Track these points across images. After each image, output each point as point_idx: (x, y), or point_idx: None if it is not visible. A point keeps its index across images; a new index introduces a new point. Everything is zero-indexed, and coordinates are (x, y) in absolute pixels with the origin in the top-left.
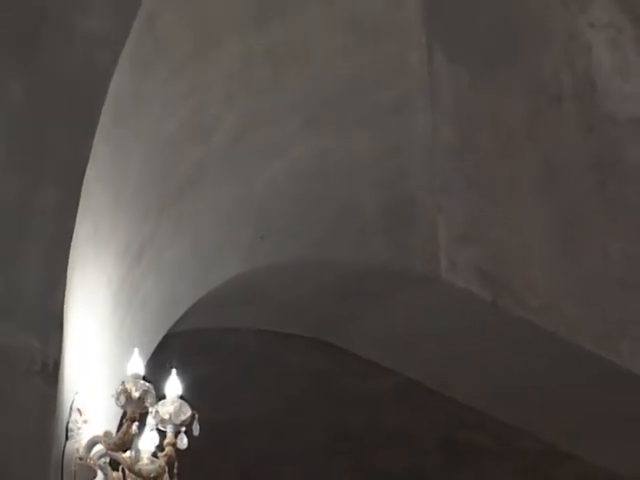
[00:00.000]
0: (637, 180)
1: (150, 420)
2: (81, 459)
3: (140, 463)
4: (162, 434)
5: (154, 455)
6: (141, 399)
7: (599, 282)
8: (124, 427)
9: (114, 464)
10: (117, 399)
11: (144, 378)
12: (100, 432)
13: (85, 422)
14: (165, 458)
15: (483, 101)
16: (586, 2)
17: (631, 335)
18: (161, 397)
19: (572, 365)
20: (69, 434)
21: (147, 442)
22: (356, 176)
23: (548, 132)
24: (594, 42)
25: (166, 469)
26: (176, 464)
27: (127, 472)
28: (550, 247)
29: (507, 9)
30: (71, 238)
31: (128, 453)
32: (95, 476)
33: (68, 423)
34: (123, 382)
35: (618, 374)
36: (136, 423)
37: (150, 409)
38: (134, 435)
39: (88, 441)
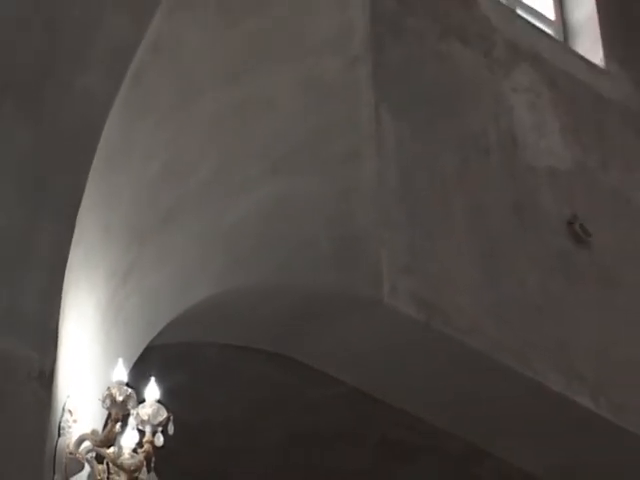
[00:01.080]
0: (551, 221)
1: (131, 421)
2: (71, 453)
3: (122, 457)
4: (141, 433)
5: (134, 451)
6: (124, 402)
7: (518, 308)
8: (109, 426)
9: (99, 458)
10: (103, 402)
11: (127, 384)
12: (88, 430)
13: (75, 421)
14: (144, 454)
15: (422, 151)
16: (509, 69)
17: (543, 354)
18: (141, 401)
19: (494, 378)
20: (61, 432)
21: (128, 440)
22: (312, 214)
23: (476, 178)
24: (516, 103)
25: (144, 463)
26: (153, 459)
27: (110, 465)
28: (476, 277)
29: (444, 75)
30: (66, 264)
31: (112, 449)
32: (83, 468)
33: (60, 422)
34: (108, 388)
35: (532, 387)
36: (119, 423)
37: (131, 411)
38: (117, 433)
39: (77, 438)
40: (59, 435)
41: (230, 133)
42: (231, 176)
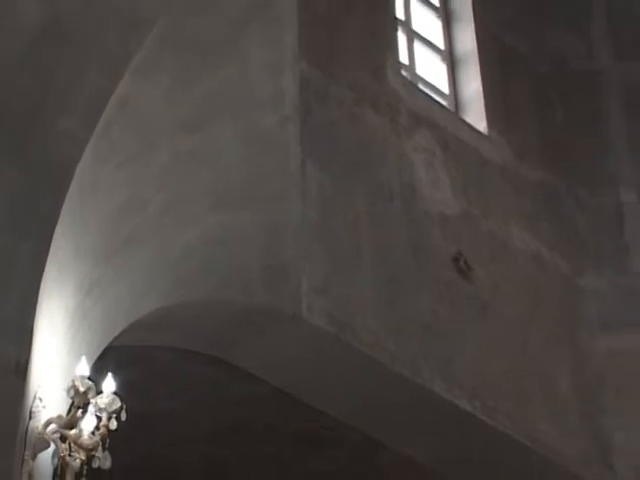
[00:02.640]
0: (440, 257)
1: (91, 408)
2: (39, 434)
3: (82, 438)
4: (99, 418)
5: (92, 433)
6: (85, 393)
7: (412, 327)
8: (72, 412)
9: (63, 438)
10: (68, 392)
11: (88, 378)
12: (54, 415)
13: (44, 407)
14: (100, 436)
15: (338, 197)
16: (411, 132)
17: (431, 365)
18: (99, 392)
19: (390, 384)
20: (32, 415)
21: (88, 424)
22: (246, 244)
23: (382, 221)
24: (415, 161)
25: (100, 443)
26: (107, 440)
27: (72, 444)
28: (379, 300)
29: (358, 135)
30: (42, 277)
31: (73, 431)
32: (49, 446)
33: (31, 408)
34: (73, 380)
35: (422, 392)
36: (80, 410)
37: (91, 400)
38: (78, 418)
39: (45, 421)
40: (30, 418)
41: (180, 175)
42: (180, 210)
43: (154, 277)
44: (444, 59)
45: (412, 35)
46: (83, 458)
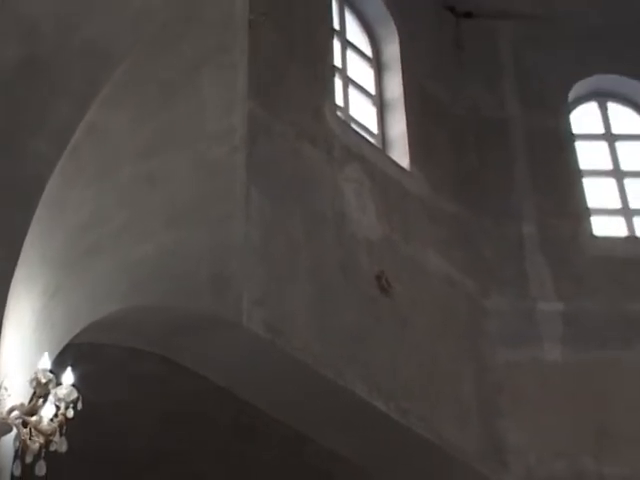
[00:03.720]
0: (365, 275)
1: (51, 398)
2: (3, 419)
3: (42, 424)
4: (57, 407)
5: (51, 420)
6: (46, 384)
7: (339, 336)
8: (33, 401)
9: (25, 424)
10: (30, 383)
11: (50, 371)
12: (17, 403)
13: (9, 396)
14: (58, 422)
15: (278, 221)
16: (343, 165)
17: (353, 370)
18: (59, 384)
19: (317, 385)
20: None
21: (47, 411)
22: (196, 258)
23: (316, 243)
24: (346, 190)
25: (58, 429)
26: (65, 426)
27: (32, 429)
28: (310, 312)
29: (297, 166)
30: (11, 281)
31: (34, 417)
32: (11, 430)
33: None
34: (35, 372)
35: (344, 393)
36: (41, 399)
37: (51, 391)
38: (39, 406)
39: (9, 408)
40: None
41: (139, 196)
42: (137, 226)
43: (111, 284)
44: (374, 103)
45: (347, 81)
46: (42, 442)
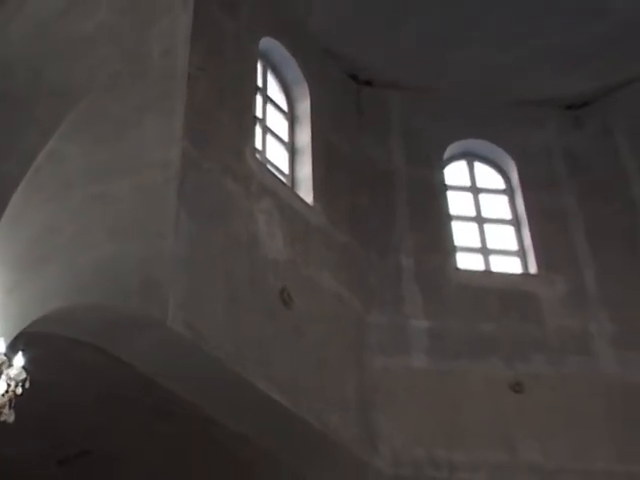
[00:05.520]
0: (271, 290)
1: (3, 377)
2: None
3: None
4: (8, 385)
5: (2, 395)
6: (0, 365)
7: (246, 338)
8: None
9: None
10: None
11: (4, 355)
12: None
13: None
14: (8, 398)
15: (202, 239)
16: (259, 199)
17: (257, 366)
18: (11, 365)
19: (226, 377)
20: None
21: (0, 387)
22: (130, 266)
23: (232, 260)
24: (260, 220)
25: (7, 403)
26: (14, 401)
27: None
28: (225, 315)
29: (220, 196)
30: None
31: None
32: None
33: None
34: None
35: (247, 384)
36: None
37: (4, 371)
38: None
39: None
40: None
41: (87, 213)
42: (84, 238)
43: (59, 285)
44: (287, 149)
45: (266, 130)
46: None
